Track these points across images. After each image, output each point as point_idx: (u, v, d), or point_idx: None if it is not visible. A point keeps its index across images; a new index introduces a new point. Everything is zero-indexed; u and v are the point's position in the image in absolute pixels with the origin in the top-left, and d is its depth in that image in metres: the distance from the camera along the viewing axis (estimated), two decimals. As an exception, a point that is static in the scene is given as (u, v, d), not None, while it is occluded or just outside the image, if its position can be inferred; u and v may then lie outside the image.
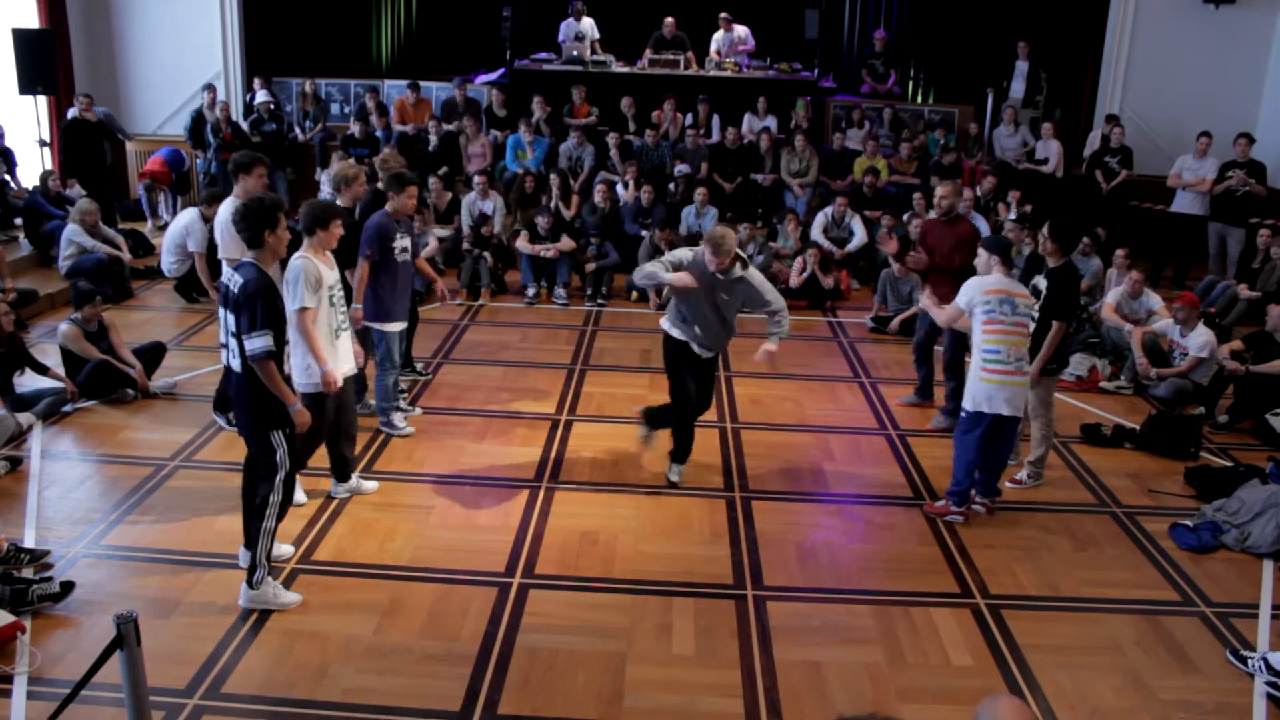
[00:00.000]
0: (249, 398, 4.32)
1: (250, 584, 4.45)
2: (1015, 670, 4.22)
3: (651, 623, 4.46)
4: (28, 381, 6.75)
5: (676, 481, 5.80)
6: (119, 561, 4.82)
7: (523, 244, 9.60)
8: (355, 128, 11.27)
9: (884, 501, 5.75)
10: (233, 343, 4.30)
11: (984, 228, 9.10)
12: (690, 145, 11.26)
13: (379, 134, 11.41)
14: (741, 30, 12.84)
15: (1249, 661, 4.25)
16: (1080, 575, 5.00)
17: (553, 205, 9.99)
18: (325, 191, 10.12)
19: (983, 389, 5.24)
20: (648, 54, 12.77)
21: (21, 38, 10.50)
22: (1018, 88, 12.20)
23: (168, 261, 9.09)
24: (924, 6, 13.71)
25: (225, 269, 5.76)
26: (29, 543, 4.90)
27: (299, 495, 5.27)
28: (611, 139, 11.30)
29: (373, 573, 4.79)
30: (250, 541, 4.60)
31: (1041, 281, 5.73)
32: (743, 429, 6.66)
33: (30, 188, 10.31)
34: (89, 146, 10.84)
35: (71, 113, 10.97)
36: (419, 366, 7.48)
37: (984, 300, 5.27)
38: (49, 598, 4.37)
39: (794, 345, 8.54)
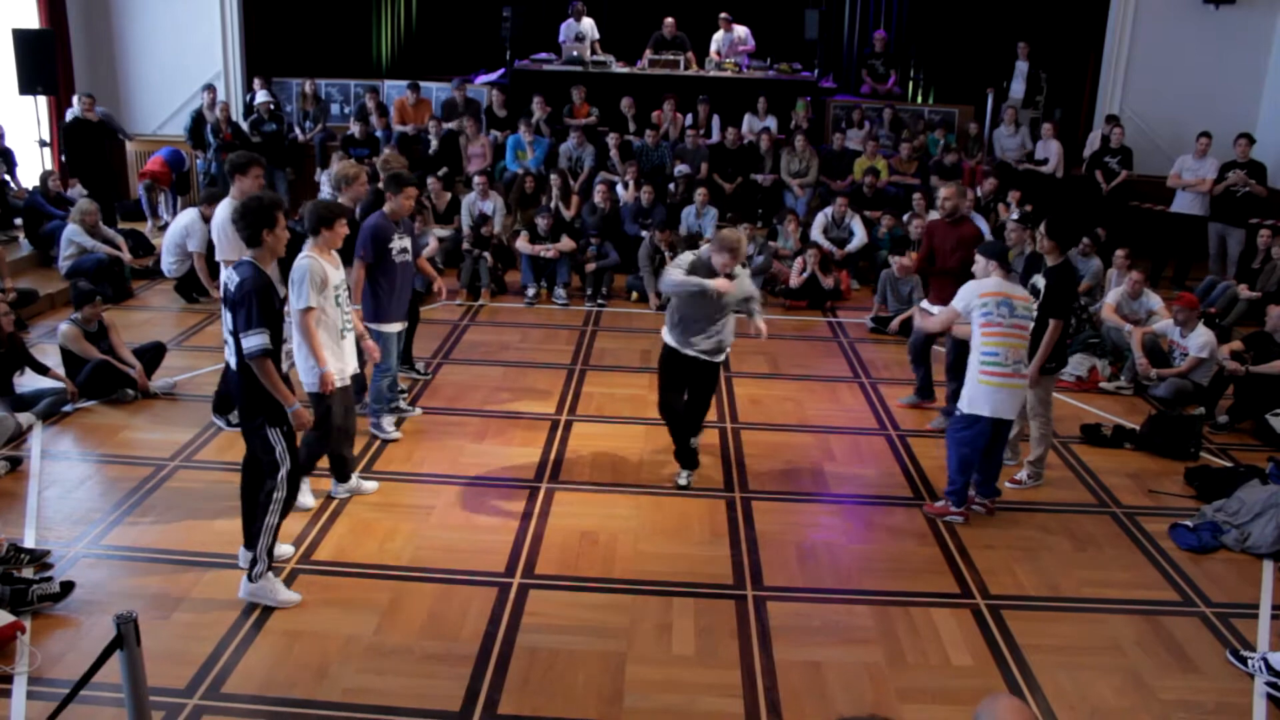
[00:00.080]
0: (246, 395, 4.33)
1: (250, 577, 4.47)
2: (1015, 670, 4.22)
3: (651, 623, 4.46)
4: (28, 381, 6.75)
5: (685, 485, 5.79)
6: (119, 561, 4.82)
7: (523, 244, 9.60)
8: (355, 128, 11.27)
9: (884, 501, 5.75)
10: (231, 341, 4.31)
11: (984, 228, 9.10)
12: (690, 145, 11.26)
13: (379, 134, 11.41)
14: (741, 30, 12.84)
15: (1249, 662, 4.25)
16: (1080, 575, 5.00)
17: (553, 205, 9.99)
18: (325, 192, 10.14)
19: (980, 392, 5.24)
20: (648, 54, 12.78)
21: (21, 38, 10.50)
22: (1018, 88, 12.19)
23: (167, 262, 9.10)
24: (924, 6, 13.72)
25: (223, 270, 5.78)
26: (29, 543, 4.90)
27: (308, 499, 5.25)
28: (611, 139, 11.30)
29: (373, 573, 4.79)
30: (250, 541, 4.61)
31: (1040, 280, 5.73)
32: (743, 429, 6.66)
33: (30, 188, 10.31)
34: (91, 146, 10.84)
35: (73, 112, 10.98)
36: (419, 366, 7.48)
37: (981, 303, 5.26)
38: (49, 598, 4.37)
39: (794, 345, 8.56)
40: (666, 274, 5.47)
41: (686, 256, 5.52)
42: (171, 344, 7.69)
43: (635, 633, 4.38)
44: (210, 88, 11.66)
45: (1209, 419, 7.02)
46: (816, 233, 10.36)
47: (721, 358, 5.66)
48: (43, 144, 11.08)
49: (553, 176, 10.53)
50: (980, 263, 5.50)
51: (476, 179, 10.40)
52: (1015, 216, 8.96)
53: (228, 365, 5.99)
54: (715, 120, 11.82)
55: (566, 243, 9.63)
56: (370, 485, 5.60)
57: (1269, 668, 4.16)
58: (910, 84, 13.97)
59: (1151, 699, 4.07)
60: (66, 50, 11.82)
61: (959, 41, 13.46)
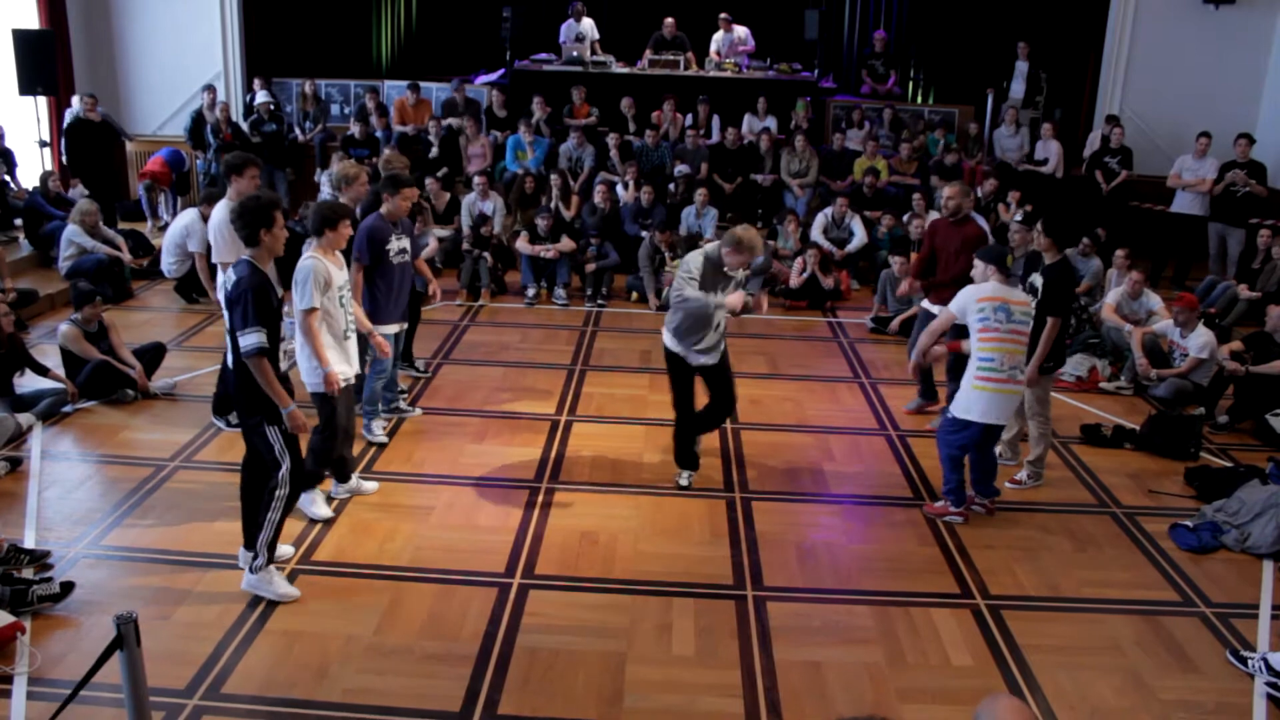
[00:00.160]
0: (244, 394, 4.34)
1: (250, 569, 4.51)
2: (1015, 670, 4.22)
3: (651, 623, 4.46)
4: (28, 382, 6.75)
5: (686, 485, 5.79)
6: (119, 562, 4.82)
7: (523, 244, 9.61)
8: (355, 128, 11.27)
9: (884, 501, 5.75)
10: (229, 340, 4.32)
11: (985, 229, 9.09)
12: (690, 146, 11.26)
13: (379, 134, 11.41)
14: (741, 31, 12.85)
15: (1249, 662, 4.25)
16: (1080, 575, 5.00)
17: (553, 206, 9.99)
18: (325, 192, 10.14)
19: (974, 397, 5.22)
20: (648, 54, 12.78)
21: (21, 38, 10.50)
22: (1018, 88, 12.19)
23: (167, 262, 9.09)
24: (924, 6, 13.71)
25: (219, 272, 5.78)
26: (29, 543, 4.90)
27: (324, 510, 5.23)
28: (611, 139, 11.30)
29: (373, 573, 4.79)
30: (250, 541, 4.62)
31: (1038, 279, 5.73)
32: (743, 429, 6.66)
33: (30, 188, 10.31)
34: (93, 147, 10.85)
35: (73, 112, 10.98)
36: (419, 365, 7.48)
37: (978, 308, 5.23)
38: (49, 598, 4.37)
39: (794, 345, 8.56)
40: (681, 291, 5.34)
41: (696, 260, 5.42)
42: (171, 344, 7.69)
43: (635, 633, 4.38)
44: (210, 88, 11.67)
45: (1209, 419, 7.02)
46: (816, 233, 10.36)
47: (723, 348, 5.67)
48: (43, 144, 11.08)
49: (553, 177, 10.53)
50: (979, 267, 5.47)
51: (476, 179, 10.40)
52: (1019, 218, 8.96)
53: (224, 365, 6.01)
54: (715, 120, 11.82)
55: (566, 243, 9.63)
56: (370, 485, 5.60)
57: (1269, 668, 4.16)
58: (910, 84, 13.97)
59: (1151, 699, 4.07)
60: (66, 50, 11.82)
61: (959, 41, 13.46)
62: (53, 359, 6.87)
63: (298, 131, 12.05)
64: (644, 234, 9.90)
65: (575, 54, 12.60)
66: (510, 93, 12.18)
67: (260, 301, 4.23)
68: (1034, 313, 5.44)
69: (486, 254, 9.62)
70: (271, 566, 4.55)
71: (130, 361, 6.83)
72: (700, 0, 13.37)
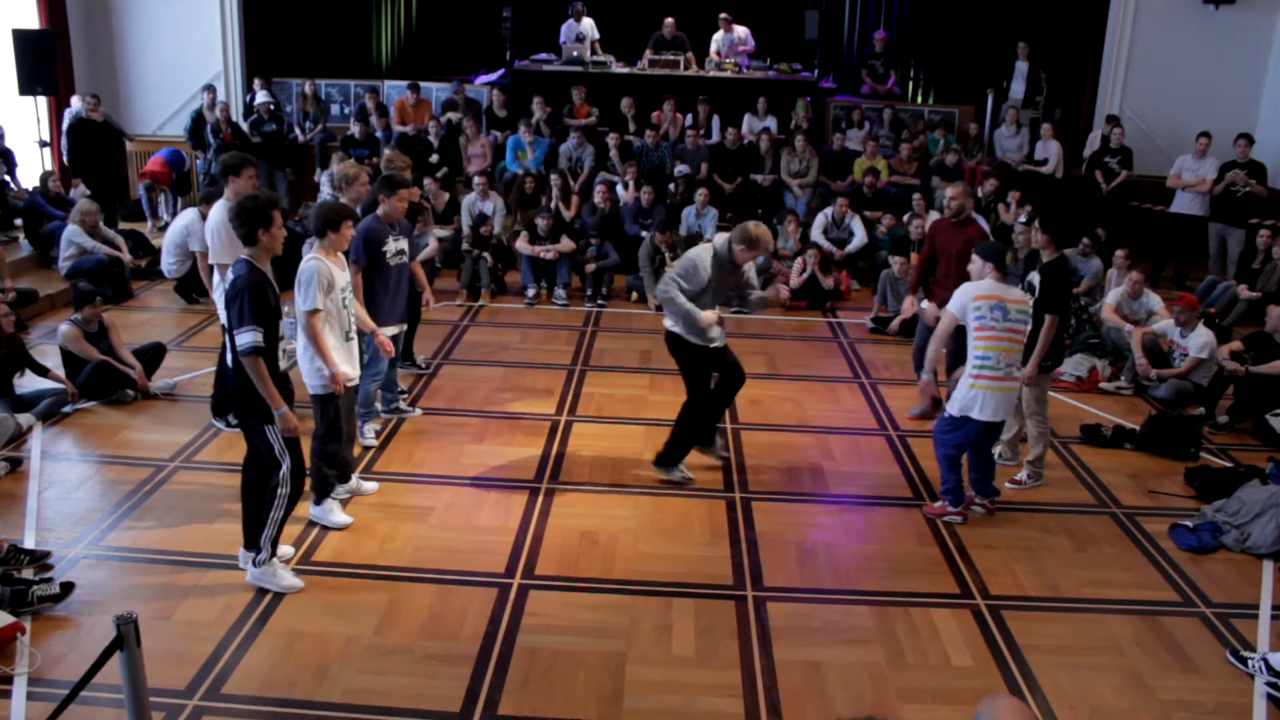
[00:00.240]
0: (242, 393, 4.34)
1: (254, 563, 4.55)
2: (1015, 670, 4.22)
3: (651, 623, 4.46)
4: (28, 382, 6.75)
5: (691, 479, 5.83)
6: (119, 562, 4.82)
7: (522, 245, 9.61)
8: (355, 128, 11.27)
9: (884, 501, 5.75)
10: (227, 339, 4.33)
11: (985, 229, 9.10)
12: (690, 146, 11.26)
13: (379, 134, 11.41)
14: (741, 31, 12.85)
15: (1249, 662, 4.25)
16: (1080, 575, 5.00)
17: (553, 206, 9.99)
18: (325, 192, 10.13)
19: (971, 395, 5.22)
20: (648, 54, 12.78)
21: (21, 38, 10.50)
22: (1018, 88, 12.19)
23: (167, 262, 9.08)
24: (924, 6, 13.71)
25: (216, 273, 5.76)
26: (29, 543, 4.90)
27: (342, 517, 5.21)
28: (611, 139, 11.30)
29: (373, 573, 4.79)
30: (250, 542, 4.64)
31: (1035, 277, 5.73)
32: (743, 429, 6.66)
33: (30, 188, 10.31)
34: (95, 147, 10.85)
35: (73, 112, 10.98)
36: (420, 361, 7.48)
37: (975, 306, 5.24)
38: (49, 598, 4.37)
39: (794, 345, 8.56)
40: (669, 292, 5.43)
41: (700, 262, 5.48)
42: (171, 345, 7.69)
43: (635, 633, 4.38)
44: (210, 88, 11.67)
45: (1209, 419, 7.02)
46: (816, 233, 10.36)
47: (724, 340, 5.79)
48: (43, 144, 11.08)
49: (553, 177, 10.53)
50: (977, 263, 5.47)
51: (476, 179, 10.41)
52: (1023, 219, 8.96)
53: (220, 365, 6.01)
54: (715, 120, 11.82)
55: (566, 243, 9.63)
56: (370, 486, 5.60)
57: (1269, 668, 4.16)
58: (910, 84, 13.97)
59: (1151, 699, 4.07)
60: (66, 50, 11.82)
61: (959, 41, 13.46)
62: (53, 359, 6.87)
63: (298, 131, 12.05)
64: (644, 234, 9.89)
65: (575, 54, 12.60)
66: (510, 93, 12.18)
67: (257, 300, 4.23)
68: (1031, 311, 5.44)
69: (486, 254, 9.62)
70: (275, 559, 4.59)
71: (130, 362, 6.83)
72: (700, 0, 13.37)
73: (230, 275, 4.32)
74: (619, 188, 10.82)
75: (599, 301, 9.51)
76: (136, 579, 4.68)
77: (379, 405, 6.42)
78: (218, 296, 5.87)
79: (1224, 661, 4.33)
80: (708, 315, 5.44)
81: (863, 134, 11.76)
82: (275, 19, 13.08)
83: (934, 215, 9.11)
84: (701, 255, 5.54)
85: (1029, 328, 5.39)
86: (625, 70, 12.58)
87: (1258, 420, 6.90)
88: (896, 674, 4.17)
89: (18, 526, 5.11)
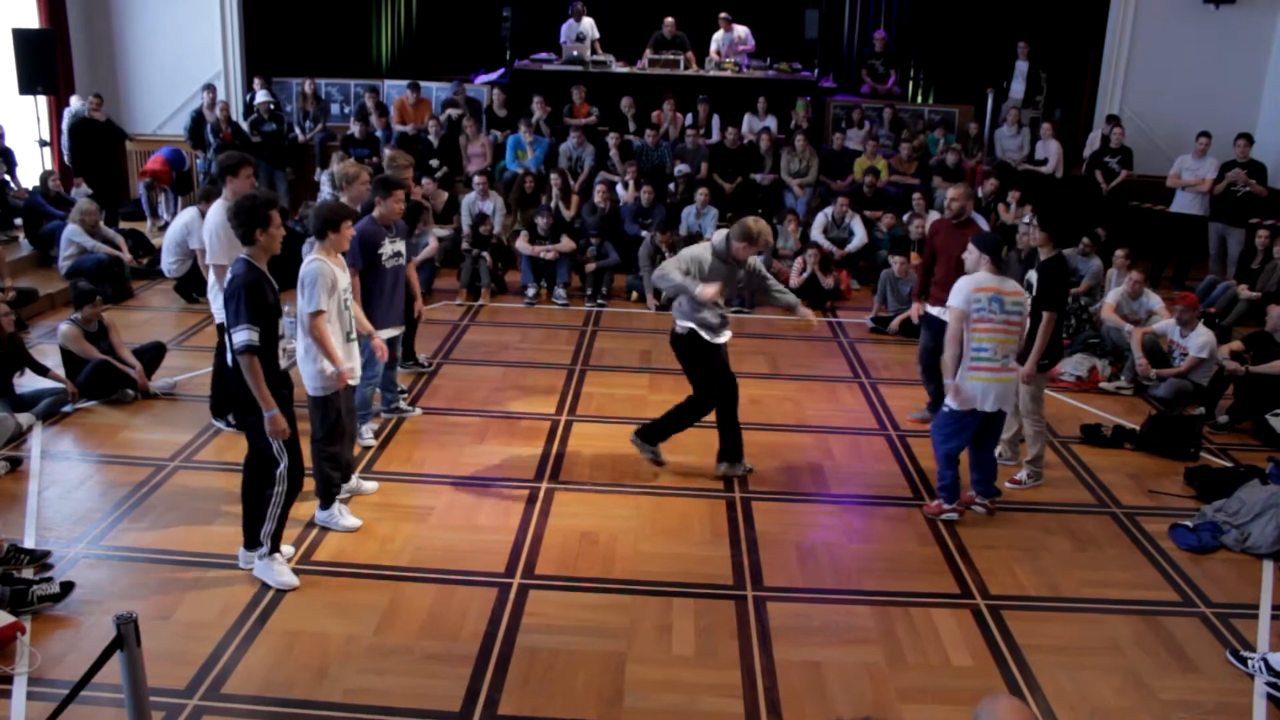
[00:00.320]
0: (241, 391, 4.35)
1: (257, 557, 4.60)
2: (1015, 670, 4.22)
3: (651, 623, 4.46)
4: (28, 382, 6.75)
5: (740, 473, 5.89)
6: (119, 561, 4.82)
7: (522, 244, 9.61)
8: (355, 128, 11.26)
9: (884, 501, 5.75)
10: (227, 338, 4.34)
11: (985, 229, 9.09)
12: (690, 145, 11.26)
13: (379, 134, 11.41)
14: (741, 30, 12.84)
15: (1249, 662, 4.25)
16: (1080, 575, 5.00)
17: (553, 205, 9.99)
18: (325, 192, 10.13)
19: (973, 388, 5.23)
20: (648, 54, 12.78)
21: (21, 38, 10.50)
22: (1018, 88, 12.19)
23: (168, 261, 9.08)
24: (924, 6, 13.71)
25: (211, 274, 5.75)
26: (29, 543, 4.90)
27: (351, 520, 5.20)
28: (611, 139, 11.30)
29: (373, 573, 4.79)
30: (250, 542, 4.65)
31: (1033, 275, 5.73)
32: (743, 429, 6.63)
33: (30, 188, 10.31)
34: (97, 147, 10.85)
35: (73, 112, 10.98)
36: (421, 359, 7.48)
37: (975, 299, 5.26)
38: (49, 598, 4.37)
39: (794, 345, 8.56)
40: (665, 272, 5.48)
41: (704, 253, 5.53)
42: (171, 344, 7.69)
43: (635, 633, 4.38)
44: (210, 88, 11.66)
45: (1209, 419, 7.02)
46: (816, 233, 10.36)
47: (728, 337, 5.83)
48: (43, 144, 11.08)
49: (553, 176, 10.53)
50: (973, 253, 5.43)
51: (476, 179, 10.41)
52: (1027, 220, 8.94)
53: (219, 365, 6.00)
54: (715, 120, 11.82)
55: (566, 243, 9.63)
56: (370, 485, 5.60)
57: (1269, 668, 4.16)
58: (910, 84, 13.97)
59: (1151, 699, 4.07)
60: (66, 50, 11.82)
61: (959, 41, 13.46)
62: (53, 359, 6.87)
63: (298, 131, 12.05)
64: (644, 234, 9.90)
65: (575, 53, 12.60)
66: (510, 92, 12.17)
67: (254, 299, 4.23)
68: (1026, 304, 5.42)
69: (486, 254, 9.62)
70: (276, 555, 4.62)
71: (130, 361, 6.83)
72: (700, 0, 13.37)
73: (229, 274, 4.32)
74: (619, 187, 10.82)
75: (599, 301, 9.51)
76: (136, 579, 4.68)
77: (378, 405, 6.41)
78: (213, 297, 5.87)
79: (1224, 661, 4.33)
80: (708, 289, 5.40)
81: (863, 134, 11.76)
82: (275, 19, 13.08)
83: (934, 215, 9.11)
84: (700, 252, 5.57)
85: (1024, 318, 5.39)
86: (625, 70, 12.58)
87: (1258, 420, 6.90)
88: (896, 674, 4.18)
89: (18, 526, 5.11)
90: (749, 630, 4.43)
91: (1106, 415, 7.09)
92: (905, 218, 10.12)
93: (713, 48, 12.83)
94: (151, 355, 7.08)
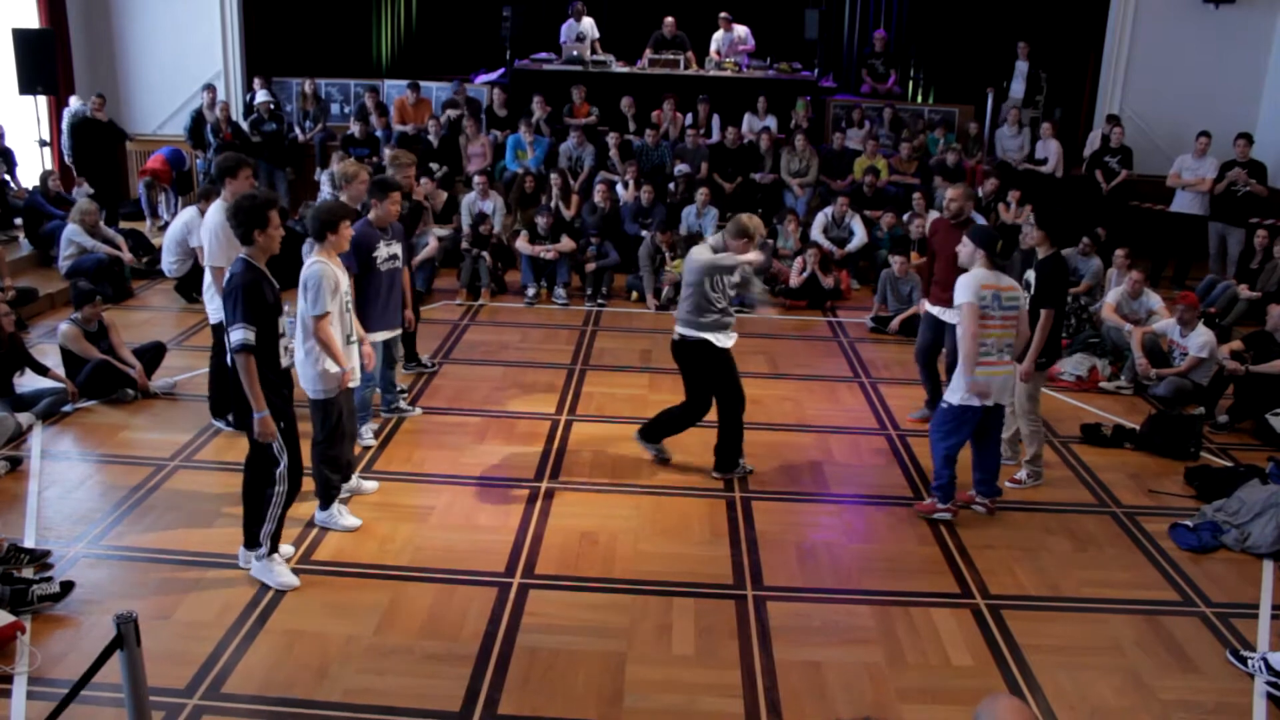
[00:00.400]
0: (240, 391, 4.34)
1: (255, 557, 4.59)
2: (1015, 670, 4.22)
3: (651, 623, 4.46)
4: (28, 382, 6.75)
5: (738, 474, 5.90)
6: (119, 561, 4.82)
7: (522, 244, 9.60)
8: (355, 128, 11.27)
9: (884, 501, 5.75)
10: (226, 338, 4.34)
11: (984, 228, 9.09)
12: (690, 145, 11.26)
13: (379, 134, 11.42)
14: (741, 30, 12.84)
15: (1249, 662, 4.25)
16: (1080, 575, 5.00)
17: (553, 205, 9.99)
18: (325, 191, 10.13)
19: (969, 382, 5.24)
20: (648, 54, 12.78)
21: (21, 38, 10.50)
22: (1018, 88, 12.19)
23: (168, 261, 9.08)
24: (924, 6, 13.71)
25: (209, 275, 5.75)
26: (29, 543, 4.90)
27: (352, 519, 5.20)
28: (611, 139, 11.30)
29: (373, 573, 4.79)
30: (250, 541, 4.65)
31: (1031, 274, 5.73)
32: (743, 429, 6.65)
33: (30, 188, 10.31)
34: (98, 147, 10.85)
35: (73, 112, 10.98)
36: (424, 359, 7.48)
37: (981, 295, 5.26)
38: (49, 598, 4.38)
39: (794, 345, 8.56)
40: (699, 253, 5.51)
41: (706, 252, 5.57)
42: (171, 344, 7.69)
43: (635, 633, 4.38)
44: (210, 87, 11.66)
45: (1209, 419, 7.02)
46: (816, 232, 10.36)
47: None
48: (43, 144, 11.08)
49: (553, 176, 10.53)
50: (968, 246, 5.39)
51: (476, 179, 10.40)
52: (1030, 220, 8.93)
53: (216, 365, 6.00)
54: (715, 120, 11.82)
55: (566, 243, 9.63)
56: (370, 485, 5.60)
57: (1269, 668, 4.16)
58: (910, 84, 13.96)
59: (1151, 699, 4.07)
60: (66, 50, 11.82)
61: (959, 41, 13.46)
62: (53, 358, 6.87)
63: (298, 131, 12.05)
64: (644, 234, 9.90)
65: (575, 53, 12.60)
66: (510, 92, 12.17)
67: (251, 298, 4.22)
68: (1020, 300, 5.40)
69: (486, 253, 9.62)
70: (275, 555, 4.62)
71: (130, 361, 6.83)
72: (700, 0, 13.37)
73: (228, 274, 4.32)
74: (619, 187, 10.82)
75: (599, 301, 9.50)
76: (136, 579, 4.68)
77: (378, 405, 6.41)
78: (208, 298, 5.86)
79: (1224, 661, 4.33)
80: (749, 255, 5.49)
81: (863, 133, 11.76)
82: (275, 19, 13.07)
83: (934, 214, 9.11)
84: (702, 251, 5.59)
85: (1019, 314, 5.38)
86: (625, 70, 12.58)
87: (1258, 420, 6.89)
88: (896, 674, 4.18)
89: (18, 526, 5.11)
90: (749, 630, 4.43)
91: (1106, 415, 7.09)
92: (905, 217, 10.12)
93: (713, 47, 12.82)
94: (151, 355, 7.08)
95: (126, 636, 3.12)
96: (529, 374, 7.57)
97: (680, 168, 11.16)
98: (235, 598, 4.51)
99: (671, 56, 12.60)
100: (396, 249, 5.94)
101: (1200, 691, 4.13)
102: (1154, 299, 8.28)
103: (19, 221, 10.13)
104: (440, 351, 7.98)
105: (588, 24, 12.89)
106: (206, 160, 11.30)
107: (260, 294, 4.27)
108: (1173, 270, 10.55)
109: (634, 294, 9.72)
